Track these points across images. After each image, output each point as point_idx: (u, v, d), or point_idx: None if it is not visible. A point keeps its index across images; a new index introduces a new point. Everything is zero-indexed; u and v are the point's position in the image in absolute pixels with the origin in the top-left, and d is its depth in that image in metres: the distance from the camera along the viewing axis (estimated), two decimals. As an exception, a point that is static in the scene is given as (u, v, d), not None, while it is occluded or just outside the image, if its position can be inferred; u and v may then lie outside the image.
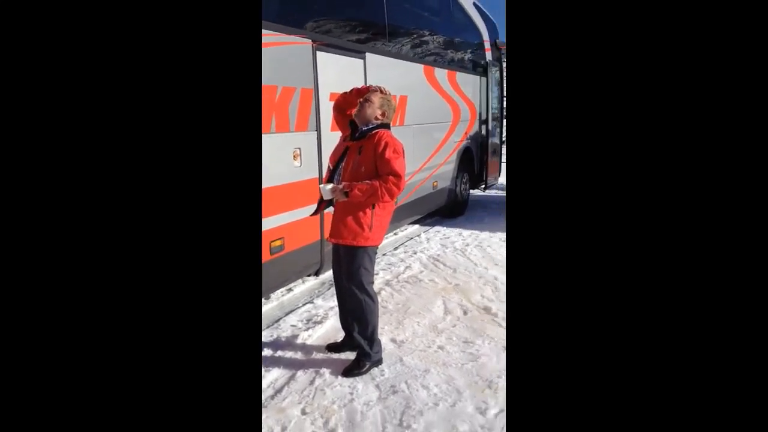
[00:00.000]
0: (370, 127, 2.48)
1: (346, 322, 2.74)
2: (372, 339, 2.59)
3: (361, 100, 2.50)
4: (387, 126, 2.53)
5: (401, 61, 4.61)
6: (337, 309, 3.35)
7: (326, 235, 3.50)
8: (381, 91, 2.53)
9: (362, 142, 2.45)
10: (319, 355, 2.75)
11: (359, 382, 2.47)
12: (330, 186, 2.44)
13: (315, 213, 2.74)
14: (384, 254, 4.75)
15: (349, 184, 2.40)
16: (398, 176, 2.36)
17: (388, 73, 4.33)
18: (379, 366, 2.62)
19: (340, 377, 2.52)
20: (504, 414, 2.18)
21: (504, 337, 2.91)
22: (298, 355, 2.76)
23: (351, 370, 2.56)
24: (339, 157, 2.56)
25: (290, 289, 3.80)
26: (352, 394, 2.38)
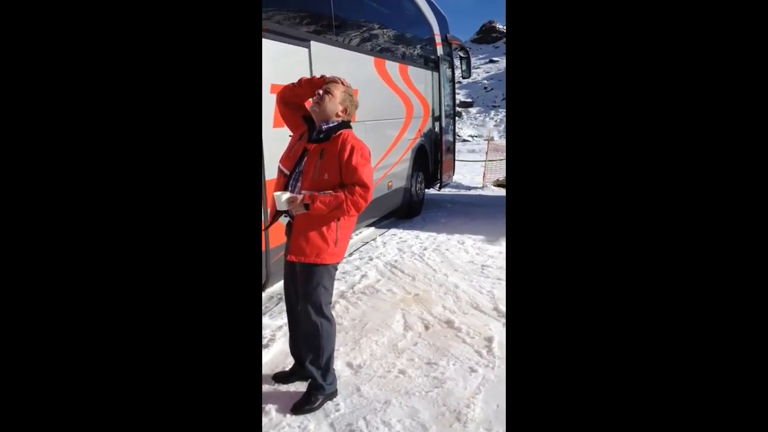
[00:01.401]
0: (332, 126, 2.13)
1: (297, 348, 2.37)
2: (327, 369, 2.23)
3: (320, 92, 2.12)
4: (348, 125, 2.17)
5: (350, 51, 4.26)
6: (286, 329, 2.99)
7: (271, 244, 3.16)
8: (342, 83, 2.17)
9: (324, 144, 2.09)
10: (264, 387, 2.37)
11: (311, 421, 2.12)
12: (287, 195, 2.04)
13: (268, 226, 2.34)
14: (336, 262, 4.42)
15: (311, 194, 2.02)
16: (366, 187, 2.03)
17: (337, 64, 3.97)
18: (334, 399, 2.27)
19: (288, 415, 2.16)
20: (477, 452, 1.91)
21: (470, 357, 2.66)
22: (239, 390, 2.38)
23: (301, 406, 2.19)
24: (296, 160, 2.16)
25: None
26: (302, 437, 2.03)
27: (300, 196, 2.03)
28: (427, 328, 3.02)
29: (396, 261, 4.31)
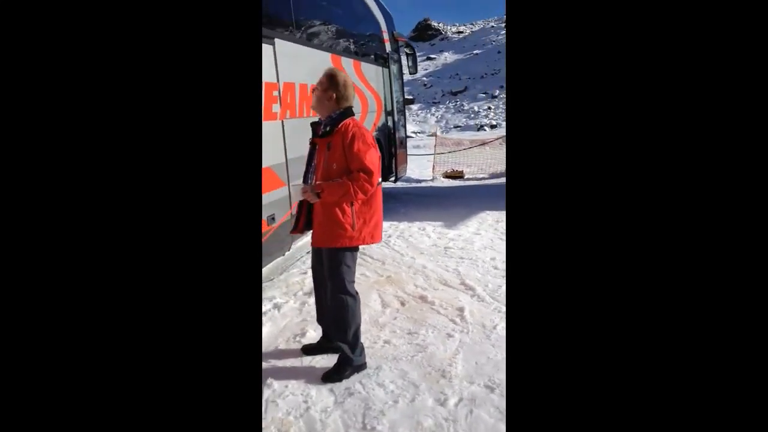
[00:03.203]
0: (334, 118, 2.30)
1: (325, 323, 2.58)
2: (354, 343, 2.42)
3: (319, 86, 2.32)
4: (349, 113, 2.34)
5: (310, 49, 4.42)
6: (271, 314, 3.15)
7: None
8: (339, 73, 2.33)
9: (330, 137, 2.27)
10: (263, 365, 2.52)
11: (311, 389, 2.31)
12: (301, 186, 2.29)
13: (294, 229, 2.49)
14: (308, 252, 4.55)
15: (320, 184, 2.24)
16: (369, 172, 2.20)
17: (298, 61, 4.12)
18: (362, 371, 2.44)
19: (289, 385, 2.33)
20: (464, 402, 2.16)
21: (446, 325, 2.91)
22: (236, 369, 2.51)
23: (331, 377, 2.38)
24: (310, 154, 2.39)
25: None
26: (306, 402, 2.21)
27: (310, 186, 2.25)
28: (403, 304, 3.26)
29: (364, 248, 4.51)
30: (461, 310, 3.10)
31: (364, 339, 2.77)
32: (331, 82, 2.30)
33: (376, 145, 2.31)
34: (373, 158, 2.23)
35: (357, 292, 2.44)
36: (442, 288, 3.52)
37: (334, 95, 2.29)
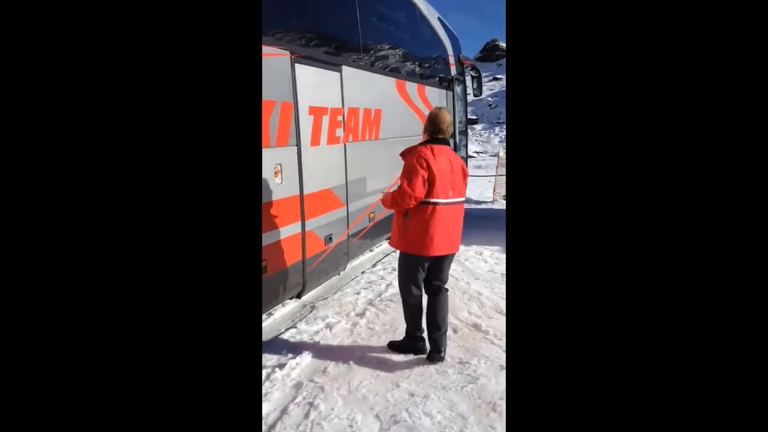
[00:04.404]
0: (414, 145, 2.73)
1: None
2: (411, 330, 2.89)
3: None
4: (433, 141, 2.70)
5: (376, 74, 4.53)
6: (323, 333, 3.22)
7: (308, 254, 3.38)
8: (432, 109, 2.82)
9: (404, 158, 2.72)
10: (310, 386, 2.57)
11: (357, 413, 2.31)
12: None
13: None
14: (363, 272, 4.61)
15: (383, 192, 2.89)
16: (401, 187, 2.59)
17: (364, 86, 4.24)
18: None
19: (336, 408, 2.35)
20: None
21: (500, 356, 2.84)
22: (287, 387, 2.57)
23: (391, 344, 2.99)
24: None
25: (270, 314, 3.59)
26: (351, 426, 2.22)
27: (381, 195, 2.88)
28: (455, 331, 3.21)
29: (418, 271, 4.51)
30: (515, 342, 3.01)
31: (413, 366, 2.76)
32: (429, 122, 2.76)
33: (420, 166, 2.57)
34: (409, 173, 2.58)
35: (416, 294, 2.83)
36: (497, 317, 3.44)
37: (426, 130, 2.77)
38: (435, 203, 2.60)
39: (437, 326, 2.78)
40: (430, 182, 2.57)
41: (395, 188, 2.65)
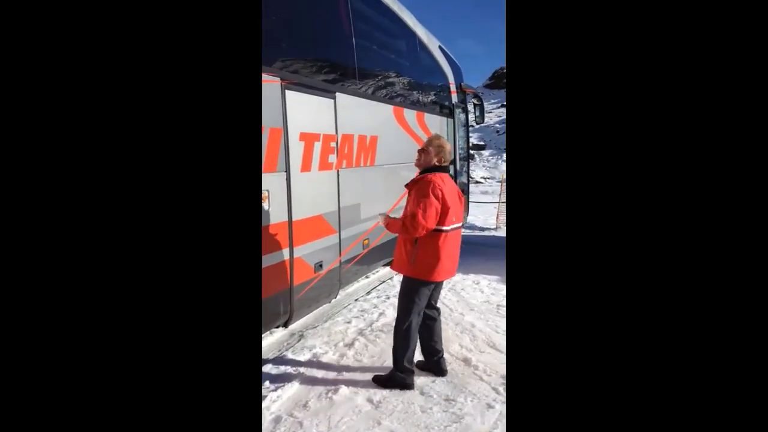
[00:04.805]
0: (422, 171, 2.75)
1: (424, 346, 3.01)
2: (401, 365, 2.80)
3: (420, 149, 2.80)
4: (440, 169, 2.74)
5: (371, 101, 4.53)
6: (308, 365, 3.14)
7: (295, 281, 3.32)
8: (436, 139, 2.80)
9: (413, 185, 2.73)
10: (289, 421, 2.48)
11: (334, 453, 2.21)
12: (381, 215, 2.87)
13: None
14: (356, 299, 4.53)
15: (389, 216, 2.82)
16: (413, 215, 2.57)
17: (359, 113, 4.23)
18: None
19: (312, 447, 2.25)
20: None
21: (487, 394, 2.73)
22: (265, 421, 2.48)
23: (378, 380, 2.89)
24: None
25: (255, 342, 3.50)
26: (326, 467, 2.11)
27: (384, 216, 2.83)
28: (444, 365, 3.10)
29: (413, 300, 4.41)
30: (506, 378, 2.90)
31: (398, 401, 2.66)
32: (427, 144, 2.78)
33: (436, 197, 2.59)
34: (422, 203, 2.57)
35: (413, 322, 2.77)
36: (489, 351, 3.33)
37: (441, 158, 2.74)
38: (446, 231, 2.68)
39: (437, 350, 2.96)
40: (443, 212, 2.63)
41: (408, 217, 2.60)
